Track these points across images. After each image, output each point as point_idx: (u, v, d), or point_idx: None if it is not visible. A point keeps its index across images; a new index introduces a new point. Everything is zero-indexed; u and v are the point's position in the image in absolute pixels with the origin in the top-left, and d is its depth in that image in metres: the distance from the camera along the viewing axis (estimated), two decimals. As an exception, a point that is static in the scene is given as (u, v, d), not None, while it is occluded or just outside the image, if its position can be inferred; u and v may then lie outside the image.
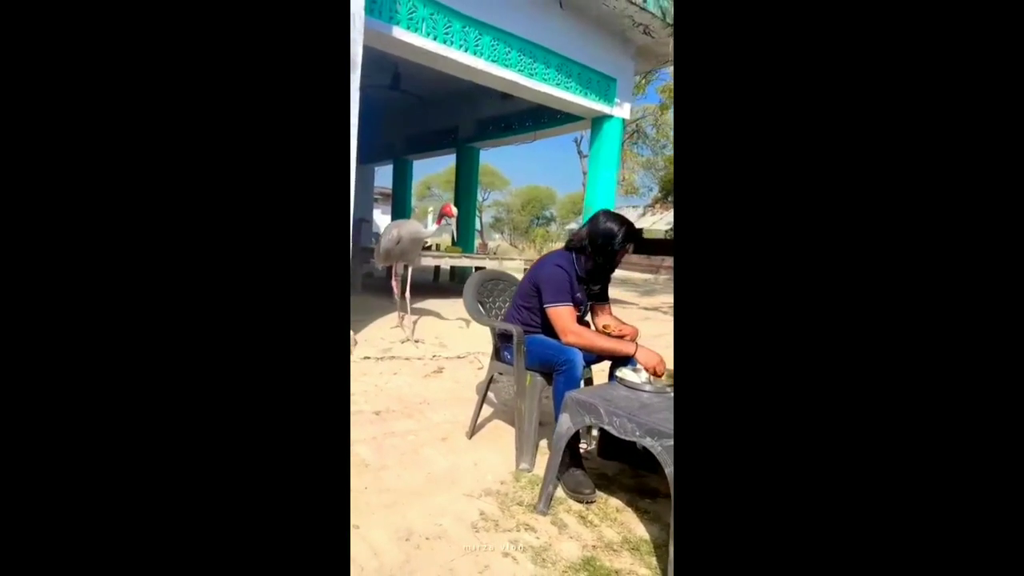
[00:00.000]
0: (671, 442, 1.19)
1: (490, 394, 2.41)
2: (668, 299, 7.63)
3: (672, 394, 1.49)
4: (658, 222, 16.55)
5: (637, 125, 16.84)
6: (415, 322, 3.65)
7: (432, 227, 3.61)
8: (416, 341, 3.35)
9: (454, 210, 3.51)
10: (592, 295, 1.86)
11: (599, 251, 1.73)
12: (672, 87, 9.64)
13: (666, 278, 12.90)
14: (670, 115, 15.97)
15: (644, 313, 5.85)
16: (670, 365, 1.66)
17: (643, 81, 8.59)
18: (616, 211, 1.81)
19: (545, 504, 1.45)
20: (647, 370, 1.59)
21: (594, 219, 1.78)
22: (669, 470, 1.19)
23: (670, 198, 19.34)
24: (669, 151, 18.48)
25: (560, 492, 1.55)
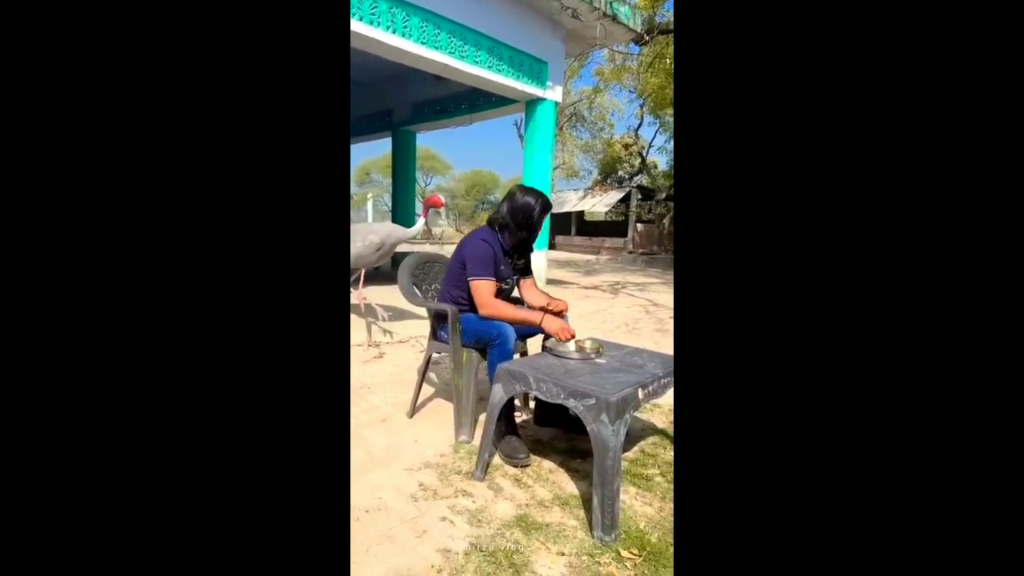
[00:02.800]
0: (592, 401, 1.29)
1: (431, 374, 2.46)
2: (608, 278, 7.92)
3: (596, 360, 1.60)
4: (598, 204, 16.97)
5: (575, 108, 17.08)
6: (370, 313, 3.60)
7: (416, 224, 3.24)
8: (386, 331, 3.27)
9: (442, 199, 3.22)
10: (517, 268, 1.95)
11: (521, 225, 1.82)
12: (605, 70, 9.84)
13: (607, 258, 13.33)
14: (604, 98, 16.32)
15: (584, 292, 6.06)
16: (581, 334, 1.78)
17: (577, 64, 8.71)
18: (529, 186, 1.91)
19: (482, 471, 1.53)
20: (553, 336, 1.70)
21: (511, 195, 1.87)
22: (591, 427, 1.29)
23: (609, 180, 19.85)
24: (606, 134, 18.92)
25: (497, 459, 1.64)
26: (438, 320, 1.93)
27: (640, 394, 1.40)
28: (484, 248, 1.79)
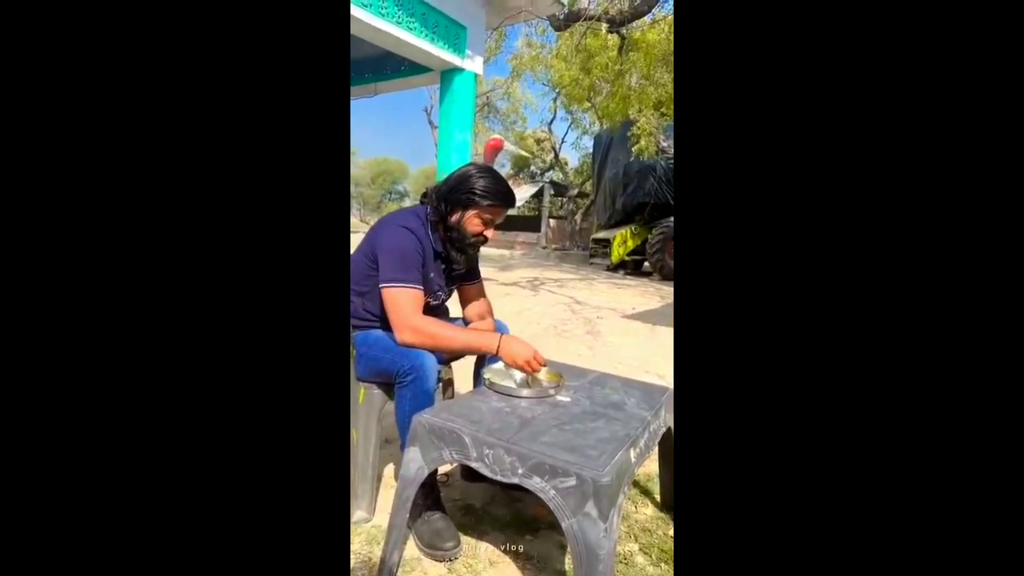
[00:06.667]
0: (572, 482, 0.80)
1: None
2: (525, 274, 7.60)
3: (558, 398, 1.11)
4: (511, 197, 16.69)
5: (488, 98, 16.62)
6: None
7: None
8: None
9: (503, 140, 2.50)
10: (456, 275, 1.38)
11: (456, 202, 1.24)
12: (522, 55, 9.46)
13: (521, 253, 13.13)
14: (517, 90, 16.03)
15: (504, 289, 5.66)
16: (548, 356, 1.28)
17: (494, 45, 8.19)
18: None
19: (388, 580, 0.98)
20: (519, 370, 1.19)
21: (461, 168, 1.30)
22: (568, 524, 0.80)
23: (522, 174, 19.76)
24: (519, 127, 18.72)
25: (413, 548, 1.09)
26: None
27: (633, 457, 0.93)
28: (406, 240, 1.20)
